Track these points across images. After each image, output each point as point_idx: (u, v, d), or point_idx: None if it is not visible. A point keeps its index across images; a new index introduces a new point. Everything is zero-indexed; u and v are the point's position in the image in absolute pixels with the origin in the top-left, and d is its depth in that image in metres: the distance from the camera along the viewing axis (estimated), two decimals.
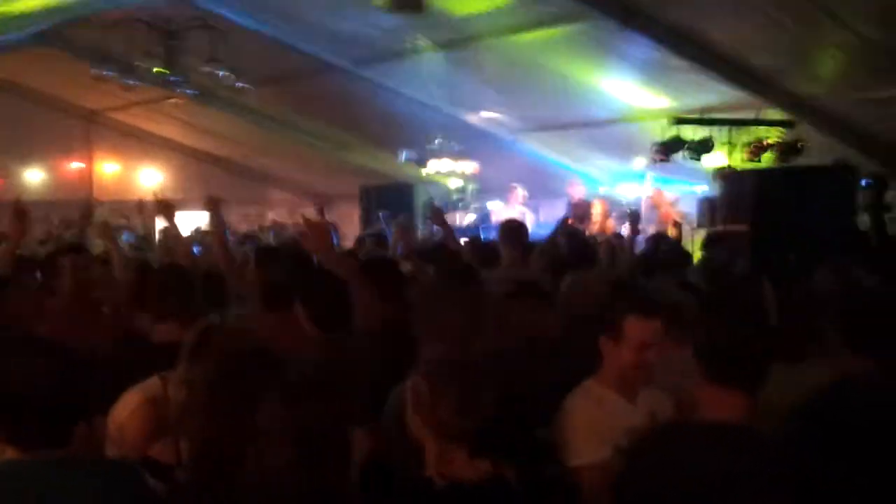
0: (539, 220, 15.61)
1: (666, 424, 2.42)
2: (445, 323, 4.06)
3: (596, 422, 3.50)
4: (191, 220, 19.34)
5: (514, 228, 7.17)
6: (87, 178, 22.55)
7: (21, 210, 5.78)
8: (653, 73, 12.00)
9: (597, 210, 13.93)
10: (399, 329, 4.40)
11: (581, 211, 12.34)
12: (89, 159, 22.50)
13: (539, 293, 4.65)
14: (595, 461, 3.41)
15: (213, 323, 3.72)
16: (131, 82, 13.08)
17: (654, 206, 14.05)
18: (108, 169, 22.81)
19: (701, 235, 12.44)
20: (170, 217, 6.94)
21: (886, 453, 3.09)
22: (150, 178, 23.03)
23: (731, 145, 12.18)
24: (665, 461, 2.38)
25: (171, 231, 6.96)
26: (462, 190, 16.73)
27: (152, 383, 3.67)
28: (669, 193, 14.38)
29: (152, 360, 3.81)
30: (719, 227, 11.41)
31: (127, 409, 3.59)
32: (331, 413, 2.54)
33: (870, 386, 3.40)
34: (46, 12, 12.34)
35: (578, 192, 14.42)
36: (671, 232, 11.42)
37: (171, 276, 4.93)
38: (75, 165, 22.40)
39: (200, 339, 3.41)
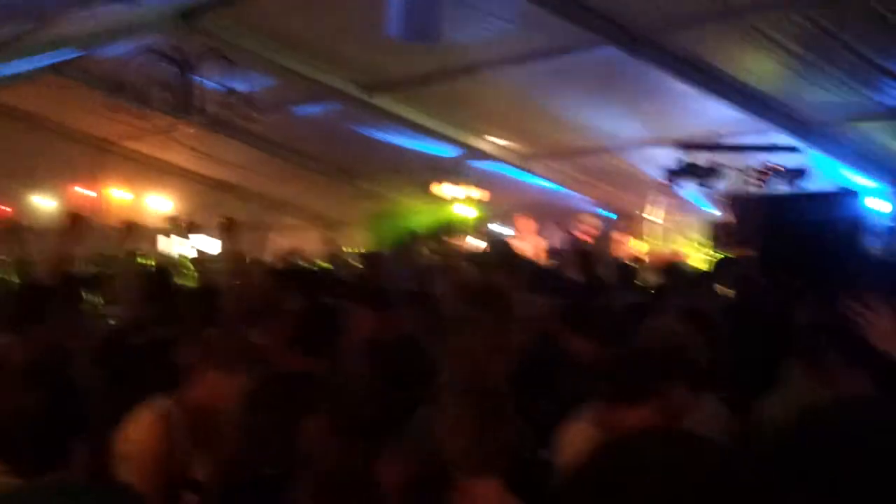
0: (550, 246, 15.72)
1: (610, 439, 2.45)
2: (466, 345, 4.13)
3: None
4: (204, 246, 19.47)
5: (506, 254, 7.28)
6: (98, 207, 22.63)
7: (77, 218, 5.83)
8: (661, 100, 12.09)
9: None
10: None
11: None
12: (100, 187, 22.61)
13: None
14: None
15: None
16: (145, 112, 13.17)
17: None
18: (118, 196, 22.89)
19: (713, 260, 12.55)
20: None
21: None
22: (162, 206, 23.13)
23: (741, 171, 12.22)
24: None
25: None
26: (472, 216, 16.80)
27: (163, 403, 3.73)
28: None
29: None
30: (730, 253, 11.47)
31: (139, 428, 3.63)
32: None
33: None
34: (61, 43, 12.49)
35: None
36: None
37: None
38: (86, 193, 22.49)
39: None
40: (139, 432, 3.61)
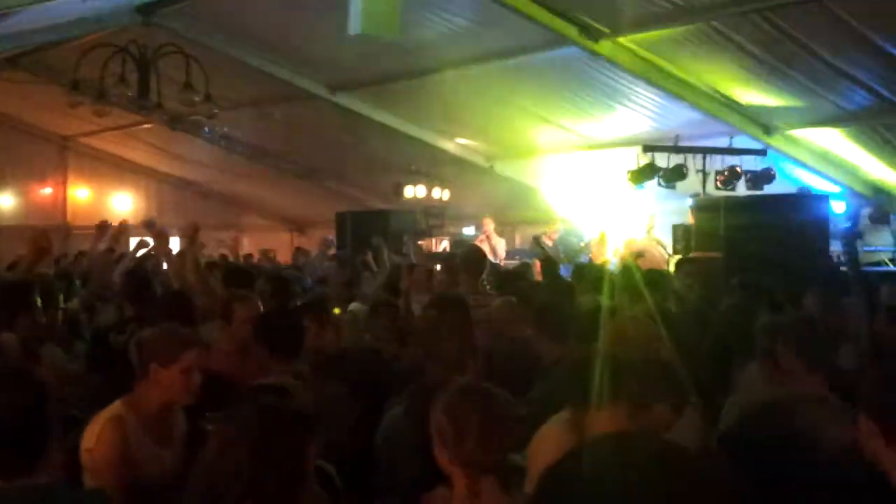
0: (516, 247, 15.71)
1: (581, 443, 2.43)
2: (443, 348, 4.20)
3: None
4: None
5: (473, 256, 7.25)
6: (60, 204, 22.39)
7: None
8: (624, 101, 12.09)
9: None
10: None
11: None
12: (63, 184, 22.36)
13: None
14: None
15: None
16: (105, 108, 12.96)
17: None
18: (82, 194, 22.65)
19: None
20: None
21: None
22: (124, 203, 22.91)
23: (704, 173, 12.22)
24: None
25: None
26: (437, 216, 16.72)
27: (115, 407, 3.69)
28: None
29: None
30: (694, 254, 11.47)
31: (91, 435, 3.60)
32: None
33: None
34: (15, 36, 12.30)
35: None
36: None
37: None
38: (48, 191, 22.24)
39: None
40: (92, 440, 3.58)
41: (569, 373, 3.40)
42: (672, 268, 12.52)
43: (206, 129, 16.59)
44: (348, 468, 3.58)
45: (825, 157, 12.14)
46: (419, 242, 16.05)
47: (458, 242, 15.98)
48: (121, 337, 5.41)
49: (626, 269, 9.23)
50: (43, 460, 2.65)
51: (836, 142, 11.85)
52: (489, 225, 15.04)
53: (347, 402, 4.26)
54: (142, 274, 7.28)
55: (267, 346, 4.63)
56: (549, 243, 13.85)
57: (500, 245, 14.50)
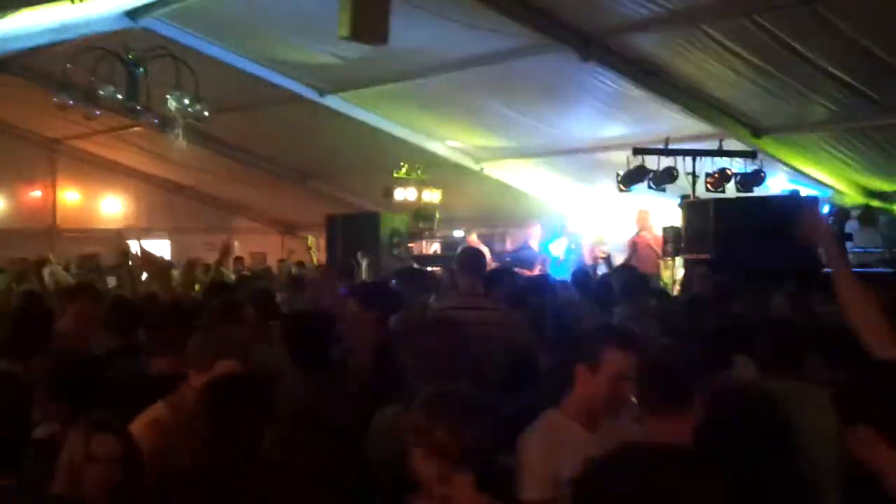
0: (505, 249, 15.67)
1: (611, 450, 2.46)
2: (432, 353, 4.15)
3: (549, 456, 3.46)
4: (157, 249, 19.22)
5: (471, 258, 7.16)
6: (49, 207, 22.32)
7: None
8: (614, 104, 12.10)
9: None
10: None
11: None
12: (52, 187, 22.29)
13: None
14: (544, 497, 3.38)
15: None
16: (94, 111, 12.93)
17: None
18: (71, 197, 22.59)
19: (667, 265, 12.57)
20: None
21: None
22: (114, 207, 22.85)
23: (694, 175, 12.24)
24: (607, 486, 2.37)
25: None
26: (427, 219, 16.70)
27: (158, 408, 3.80)
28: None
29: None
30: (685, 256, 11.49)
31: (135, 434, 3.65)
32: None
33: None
34: (3, 40, 12.26)
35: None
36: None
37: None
38: (38, 194, 22.17)
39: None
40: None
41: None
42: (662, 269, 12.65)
43: (196, 132, 16.54)
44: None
45: (814, 159, 12.16)
46: (409, 245, 16.08)
47: (449, 245, 15.98)
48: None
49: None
50: (18, 467, 2.72)
51: (825, 144, 11.87)
52: (473, 237, 15.04)
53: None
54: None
55: None
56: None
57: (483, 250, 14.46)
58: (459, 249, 10.69)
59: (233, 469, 2.95)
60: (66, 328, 5.62)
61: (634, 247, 13.11)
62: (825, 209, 11.70)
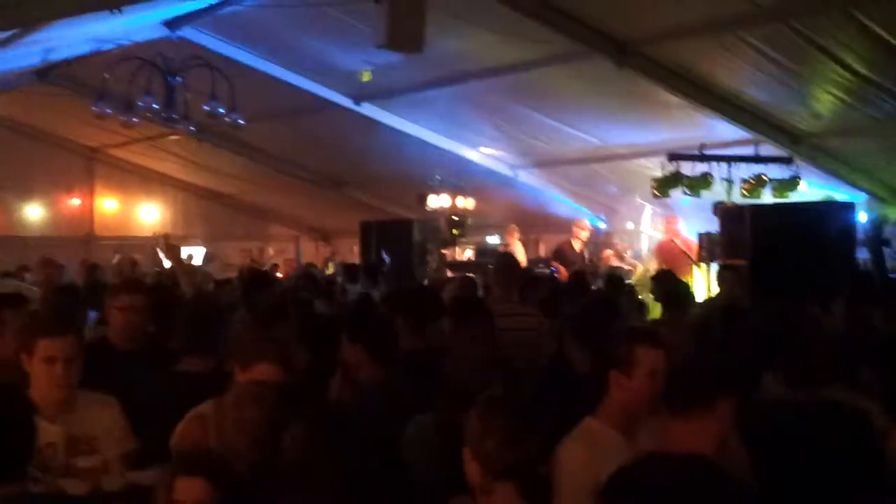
0: (540, 255, 15.67)
1: (635, 459, 2.48)
2: (468, 356, 4.27)
3: (586, 466, 3.44)
4: (193, 255, 19.40)
5: (506, 264, 7.19)
6: (87, 215, 22.60)
7: None
8: (649, 110, 12.05)
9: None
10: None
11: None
12: (90, 196, 22.57)
13: None
14: None
15: None
16: (132, 120, 13.09)
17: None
18: (109, 205, 22.86)
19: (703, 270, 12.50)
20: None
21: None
22: (151, 214, 23.10)
23: (729, 181, 12.17)
24: (628, 495, 2.39)
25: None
26: (461, 225, 16.74)
27: (206, 405, 3.85)
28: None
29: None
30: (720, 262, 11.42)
31: (180, 427, 3.81)
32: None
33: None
34: (47, 50, 12.46)
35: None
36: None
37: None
38: (76, 202, 22.46)
39: None
40: (177, 436, 3.78)
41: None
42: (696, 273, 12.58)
43: (232, 140, 16.69)
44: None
45: (851, 165, 12.05)
46: (443, 251, 16.11)
47: (482, 251, 15.99)
48: None
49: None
50: (22, 471, 2.78)
51: (863, 150, 11.77)
52: (514, 233, 15.01)
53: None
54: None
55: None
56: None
57: (520, 253, 14.45)
58: (497, 255, 10.76)
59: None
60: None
61: (664, 252, 13.09)
62: (863, 216, 11.60)
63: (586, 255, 13.84)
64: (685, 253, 12.91)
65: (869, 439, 3.35)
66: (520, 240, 15.02)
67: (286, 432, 3.08)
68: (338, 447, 3.04)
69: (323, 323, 5.99)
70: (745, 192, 12.19)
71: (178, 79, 12.01)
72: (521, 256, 14.09)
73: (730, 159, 12.16)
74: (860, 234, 11.34)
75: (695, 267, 12.64)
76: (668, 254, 13.06)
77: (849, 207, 11.19)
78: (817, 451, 3.38)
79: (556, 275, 12.50)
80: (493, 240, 17.39)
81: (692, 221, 13.44)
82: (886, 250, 11.42)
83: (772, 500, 3.19)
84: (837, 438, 3.40)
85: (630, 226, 15.50)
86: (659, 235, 14.34)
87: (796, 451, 3.44)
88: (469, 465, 2.95)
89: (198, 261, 18.92)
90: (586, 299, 7.40)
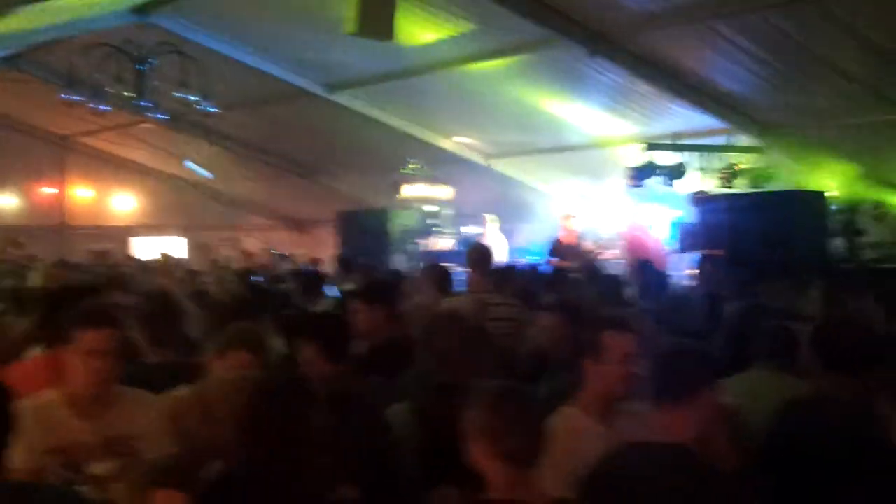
0: (513, 245, 15.61)
1: (617, 449, 2.49)
2: (444, 348, 4.25)
3: (565, 456, 3.42)
4: (164, 246, 19.28)
5: (481, 254, 7.13)
6: (59, 204, 22.40)
7: None
8: (622, 99, 12.05)
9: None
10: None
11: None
12: (62, 184, 22.36)
13: None
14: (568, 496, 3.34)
15: None
16: (102, 107, 12.94)
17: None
18: (81, 194, 22.66)
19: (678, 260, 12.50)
20: None
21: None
22: (124, 203, 22.92)
23: (704, 171, 12.19)
24: (611, 485, 2.38)
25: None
26: (437, 215, 16.68)
27: (177, 392, 3.76)
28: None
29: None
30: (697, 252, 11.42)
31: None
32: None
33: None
34: (12, 36, 12.29)
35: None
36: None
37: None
38: (48, 191, 22.24)
39: None
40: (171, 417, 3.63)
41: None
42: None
43: (204, 128, 16.55)
44: None
45: (823, 153, 12.07)
46: (420, 241, 16.05)
47: (465, 241, 15.91)
48: None
49: None
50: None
51: (834, 138, 11.79)
52: (491, 223, 14.93)
53: None
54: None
55: None
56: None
57: (501, 243, 14.37)
58: (470, 245, 10.65)
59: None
60: None
61: (628, 242, 13.10)
62: (833, 204, 11.64)
63: (584, 244, 13.61)
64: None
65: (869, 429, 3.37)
66: (499, 229, 14.94)
67: (302, 421, 3.04)
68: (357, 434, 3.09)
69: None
70: (719, 181, 12.20)
71: (148, 65, 11.85)
72: (503, 246, 14.04)
73: (704, 149, 12.19)
74: (832, 223, 11.39)
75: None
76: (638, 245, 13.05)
77: (819, 196, 11.24)
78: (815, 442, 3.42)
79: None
80: (470, 230, 17.33)
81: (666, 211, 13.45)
82: (857, 239, 11.49)
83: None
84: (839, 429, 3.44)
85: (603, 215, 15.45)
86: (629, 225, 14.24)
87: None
88: (475, 452, 2.95)
89: (179, 252, 18.83)
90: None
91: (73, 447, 3.46)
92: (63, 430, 3.48)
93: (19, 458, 3.11)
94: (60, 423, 3.49)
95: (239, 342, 3.87)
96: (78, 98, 12.70)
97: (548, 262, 12.63)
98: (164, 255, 15.24)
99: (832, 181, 12.07)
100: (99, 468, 3.51)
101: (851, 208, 11.67)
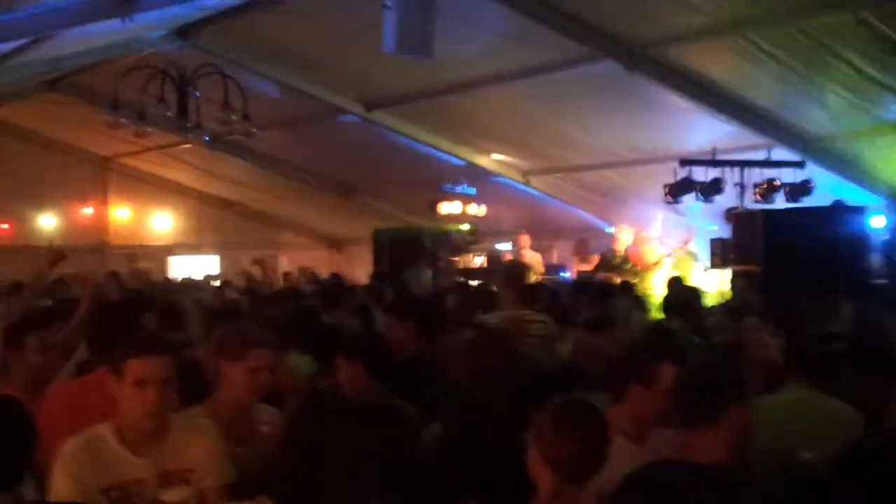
0: (551, 261, 15.64)
1: (643, 467, 2.50)
2: (488, 364, 4.28)
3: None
4: (202, 265, 19.48)
5: (515, 272, 7.22)
6: (101, 223, 22.66)
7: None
8: (660, 115, 12.01)
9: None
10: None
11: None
12: (103, 204, 22.64)
13: None
14: None
15: None
16: (144, 129, 13.10)
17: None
18: (122, 214, 22.93)
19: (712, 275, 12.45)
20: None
21: None
22: (163, 223, 23.18)
23: (741, 186, 12.12)
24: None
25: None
26: (472, 232, 16.74)
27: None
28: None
29: None
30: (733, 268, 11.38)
31: None
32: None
33: None
34: (57, 59, 12.50)
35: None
36: None
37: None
38: (89, 211, 22.52)
39: None
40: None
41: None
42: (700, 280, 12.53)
43: (244, 148, 16.72)
44: None
45: (864, 168, 11.98)
46: (454, 258, 16.11)
47: (494, 258, 15.96)
48: None
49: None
50: (20, 480, 2.77)
51: (876, 153, 11.70)
52: (525, 241, 14.96)
53: None
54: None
55: None
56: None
57: (535, 260, 14.40)
58: (505, 260, 10.69)
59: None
60: None
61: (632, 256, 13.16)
62: (878, 219, 11.55)
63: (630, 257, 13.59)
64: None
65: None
66: (532, 247, 14.96)
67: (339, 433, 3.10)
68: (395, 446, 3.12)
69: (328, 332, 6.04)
70: (757, 197, 12.13)
71: (190, 87, 12.02)
72: (537, 264, 14.06)
73: (742, 164, 12.12)
74: (873, 239, 11.30)
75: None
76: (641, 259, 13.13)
77: (860, 211, 11.14)
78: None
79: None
80: (504, 247, 17.35)
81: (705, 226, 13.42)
82: None
83: None
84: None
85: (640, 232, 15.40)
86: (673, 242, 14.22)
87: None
88: (536, 469, 2.99)
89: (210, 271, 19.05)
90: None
91: (128, 484, 3.25)
92: (117, 466, 3.26)
93: (72, 497, 3.07)
94: (114, 459, 3.27)
95: (258, 342, 3.89)
96: (121, 120, 12.86)
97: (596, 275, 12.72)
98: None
99: (873, 196, 11.98)
100: (167, 495, 3.33)
101: (891, 223, 11.57)
